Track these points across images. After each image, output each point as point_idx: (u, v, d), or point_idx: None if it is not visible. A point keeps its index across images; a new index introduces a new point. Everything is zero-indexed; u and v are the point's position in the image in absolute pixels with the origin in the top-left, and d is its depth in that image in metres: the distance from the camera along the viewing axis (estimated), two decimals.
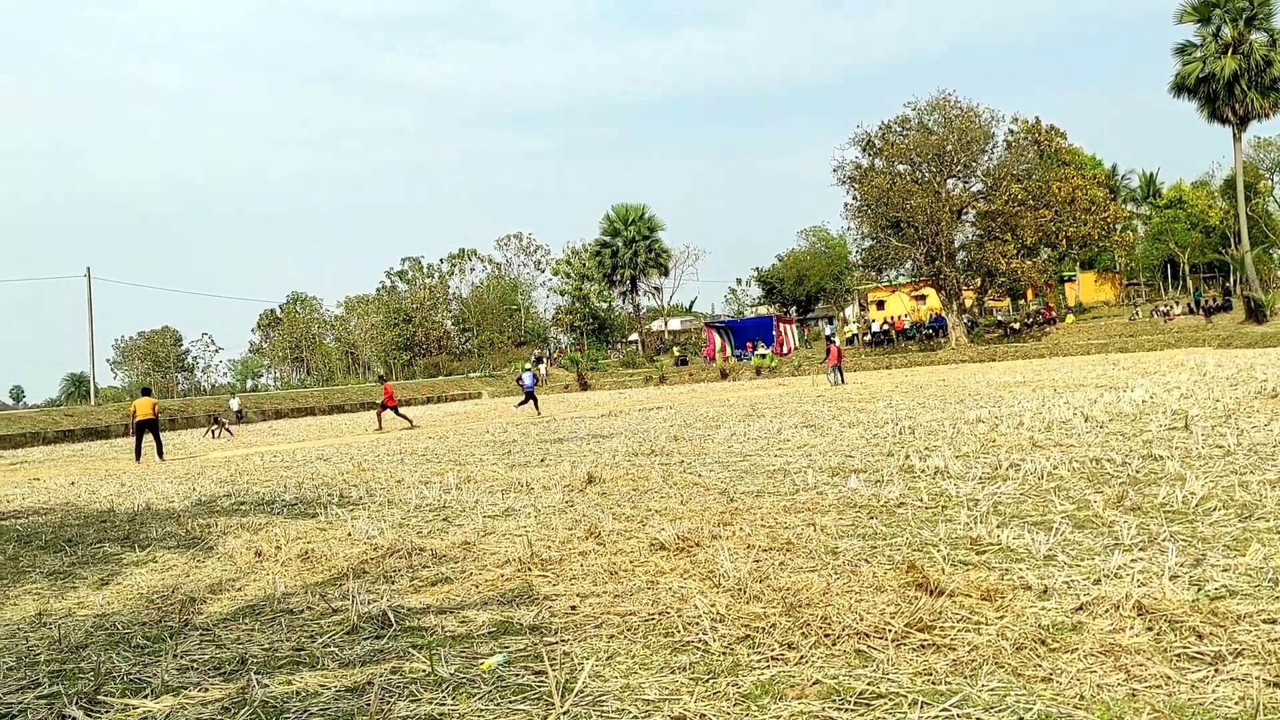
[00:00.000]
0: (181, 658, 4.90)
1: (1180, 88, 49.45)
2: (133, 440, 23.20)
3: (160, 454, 21.67)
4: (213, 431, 34.08)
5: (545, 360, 66.64)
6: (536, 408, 30.59)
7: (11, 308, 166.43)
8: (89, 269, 54.16)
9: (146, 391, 24.25)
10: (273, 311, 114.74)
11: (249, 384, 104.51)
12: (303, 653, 4.83)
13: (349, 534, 8.25)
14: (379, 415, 29.88)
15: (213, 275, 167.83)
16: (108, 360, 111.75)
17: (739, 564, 5.79)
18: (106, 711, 4.15)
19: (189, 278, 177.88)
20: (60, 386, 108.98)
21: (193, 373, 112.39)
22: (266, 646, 4.99)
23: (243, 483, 13.98)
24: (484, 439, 19.68)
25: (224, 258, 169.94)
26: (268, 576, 6.74)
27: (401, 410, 30.33)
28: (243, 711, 4.03)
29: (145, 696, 4.31)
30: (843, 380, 34.91)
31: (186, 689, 4.38)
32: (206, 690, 4.35)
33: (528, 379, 31.49)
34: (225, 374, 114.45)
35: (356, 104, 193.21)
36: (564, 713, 3.73)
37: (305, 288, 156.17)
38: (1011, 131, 54.67)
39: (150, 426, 21.89)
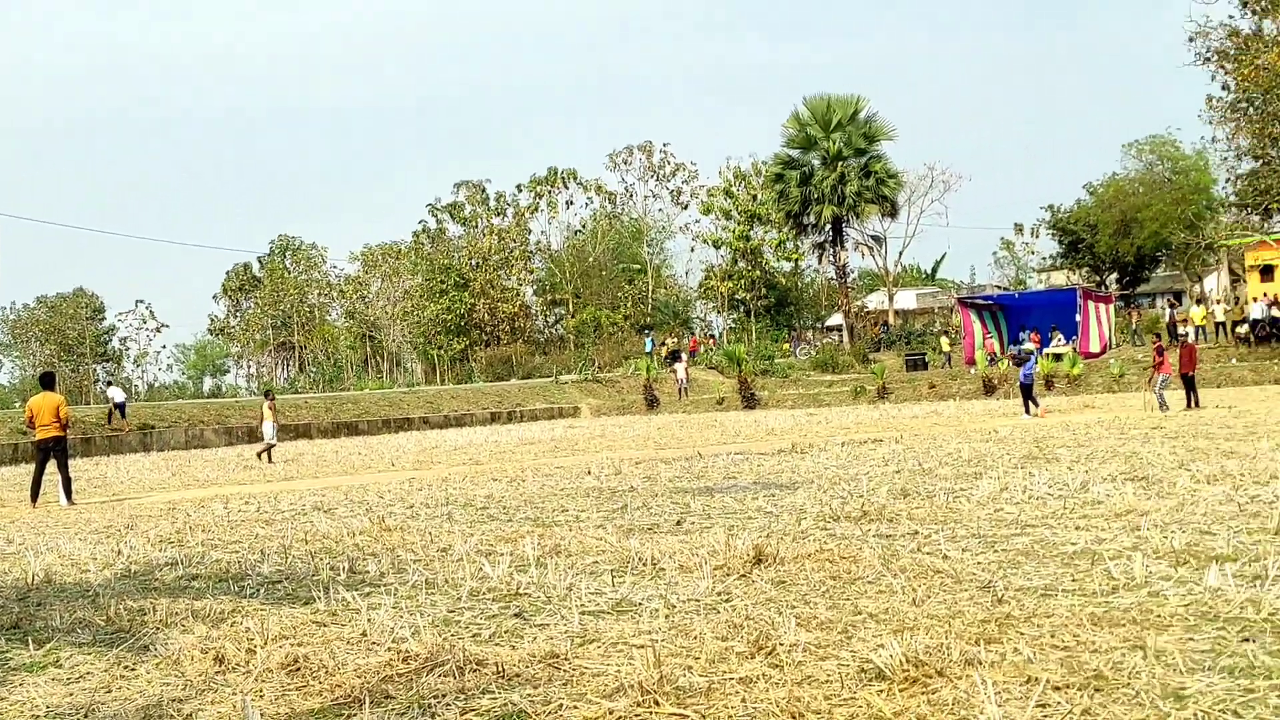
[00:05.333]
0: None
1: None
2: (31, 470, 24.11)
3: (68, 494, 22.57)
4: (266, 451, 35.23)
5: (682, 356, 66.84)
6: (1029, 408, 35.95)
7: None
8: None
9: (48, 381, 25.01)
10: (247, 267, 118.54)
11: (207, 383, 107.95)
12: None
13: (363, 633, 8.47)
14: None
15: (153, 210, 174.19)
16: None
17: (1012, 710, 5.75)
18: None
19: (116, 214, 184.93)
20: None
21: (120, 362, 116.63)
22: None
23: (195, 544, 14.49)
24: (582, 485, 19.92)
25: (172, 183, 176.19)
26: (234, 698, 6.97)
27: None
28: None
29: None
30: (1196, 402, 34.10)
31: None
32: None
33: (1024, 370, 37.60)
34: (169, 366, 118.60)
35: None
36: None
37: (300, 230, 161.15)
38: None
39: (56, 448, 22.75)
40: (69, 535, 16.48)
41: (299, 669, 7.51)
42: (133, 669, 7.97)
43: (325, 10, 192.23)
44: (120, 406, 48.64)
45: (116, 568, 12.85)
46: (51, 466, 22.87)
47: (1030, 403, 36.01)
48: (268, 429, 35.42)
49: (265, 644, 8.22)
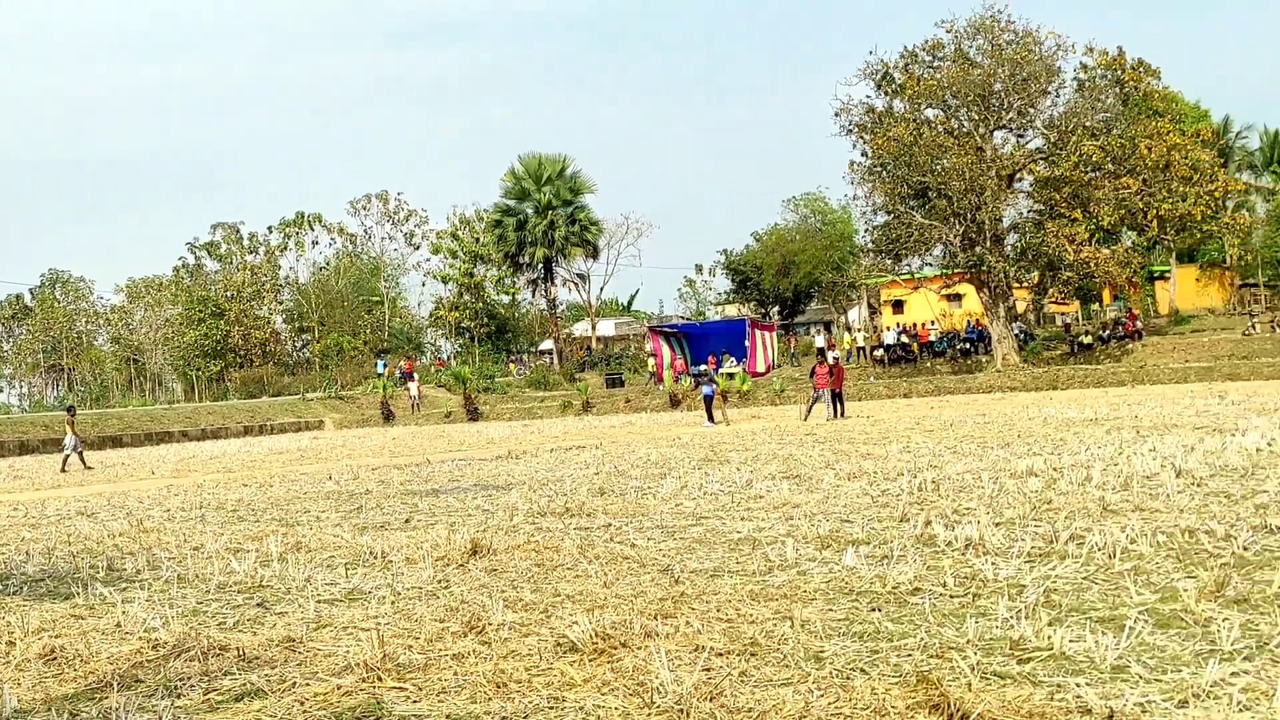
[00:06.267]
0: None
1: None
2: None
3: None
4: (76, 453, 33.63)
5: (416, 377, 66.15)
6: (711, 419, 36.16)
7: None
8: None
9: None
10: (19, 298, 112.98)
11: None
12: None
13: (118, 624, 8.13)
14: None
15: None
16: None
17: (681, 674, 5.81)
18: None
19: None
20: None
21: None
22: None
23: None
24: (323, 489, 19.51)
25: None
26: None
27: None
28: None
29: None
30: (842, 413, 35.17)
31: None
32: None
33: (706, 389, 38.34)
34: None
35: (174, 5, 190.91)
36: None
37: (68, 265, 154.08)
38: (1085, 67, 55.71)
39: None
40: None
41: (55, 658, 7.16)
42: None
43: (91, 65, 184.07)
44: None
45: None
46: None
47: (710, 415, 36.73)
48: (68, 440, 34.08)
49: (25, 636, 7.82)
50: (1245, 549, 8.52)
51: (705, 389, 38.52)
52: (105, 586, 9.91)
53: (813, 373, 36.85)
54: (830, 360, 44.62)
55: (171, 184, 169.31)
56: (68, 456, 33.54)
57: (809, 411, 34.98)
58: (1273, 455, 14.86)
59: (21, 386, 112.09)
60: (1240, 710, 4.90)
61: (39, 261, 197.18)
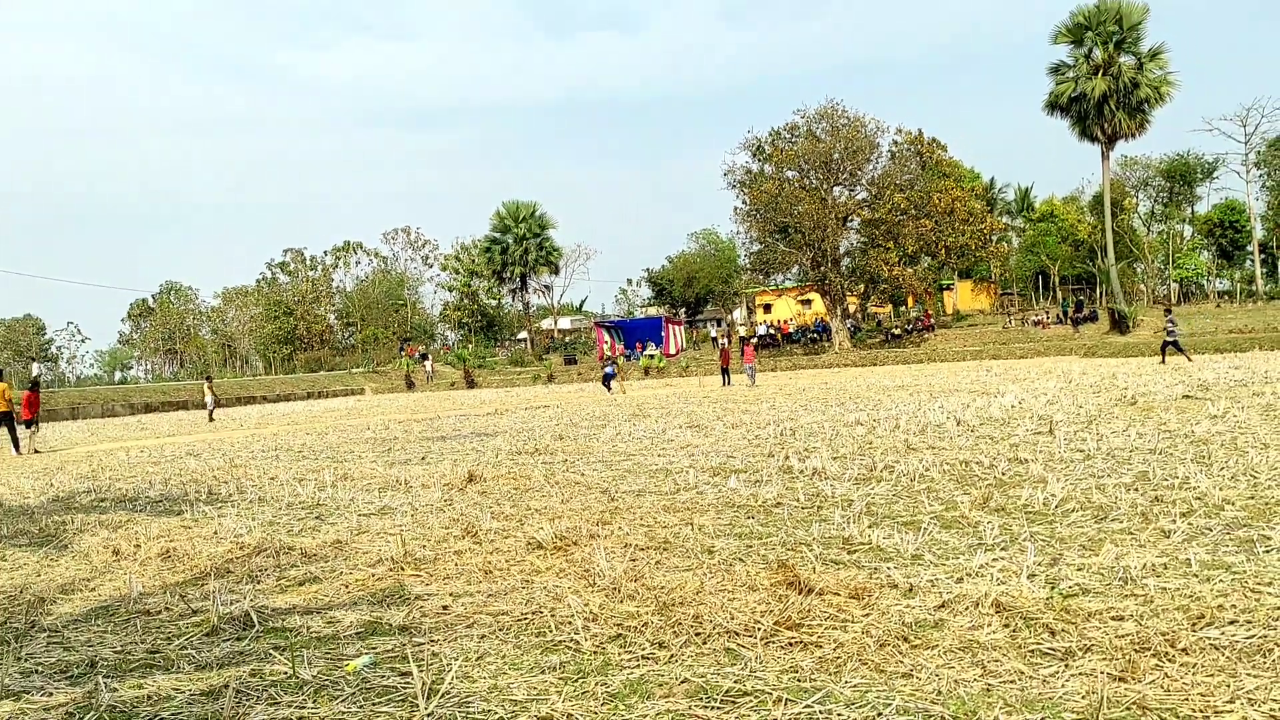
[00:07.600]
0: (25, 661, 4.66)
1: (1054, 106, 51.35)
2: None
3: (16, 448, 20.58)
4: (210, 413, 34.03)
5: (430, 357, 65.63)
6: (609, 389, 36.35)
7: None
8: None
9: None
10: (145, 301, 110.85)
11: (117, 375, 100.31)
12: (157, 655, 4.64)
13: (215, 532, 7.98)
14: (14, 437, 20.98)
15: (82, 263, 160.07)
16: None
17: (615, 563, 5.81)
18: None
19: (55, 264, 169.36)
20: None
21: (57, 363, 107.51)
22: (118, 649, 4.78)
23: (104, 479, 13.38)
24: (364, 436, 19.30)
25: (95, 245, 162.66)
26: (124, 576, 6.46)
27: (33, 432, 21.68)
28: (89, 717, 3.85)
29: None
30: (729, 382, 35.33)
31: (29, 693, 4.17)
32: (51, 695, 4.14)
33: (607, 370, 38.08)
34: (92, 365, 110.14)
35: (246, 94, 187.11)
36: (428, 715, 3.67)
37: (180, 277, 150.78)
38: (895, 142, 56.26)
39: (3, 420, 20.75)
40: (16, 474, 15.00)
41: (170, 556, 7.03)
42: (56, 560, 7.30)
43: (187, 132, 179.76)
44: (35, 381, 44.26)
45: (48, 495, 11.76)
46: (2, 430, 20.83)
47: (607, 387, 37.15)
48: (209, 400, 33.94)
49: (148, 541, 7.67)
50: (1002, 475, 8.67)
51: (607, 369, 38.54)
52: (206, 505, 9.75)
53: (741, 352, 36.45)
54: (722, 345, 44.73)
55: (257, 220, 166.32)
56: (212, 411, 33.42)
57: (751, 379, 34.76)
58: (1022, 410, 15.12)
59: (147, 364, 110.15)
60: (998, 584, 4.98)
61: (159, 274, 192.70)
